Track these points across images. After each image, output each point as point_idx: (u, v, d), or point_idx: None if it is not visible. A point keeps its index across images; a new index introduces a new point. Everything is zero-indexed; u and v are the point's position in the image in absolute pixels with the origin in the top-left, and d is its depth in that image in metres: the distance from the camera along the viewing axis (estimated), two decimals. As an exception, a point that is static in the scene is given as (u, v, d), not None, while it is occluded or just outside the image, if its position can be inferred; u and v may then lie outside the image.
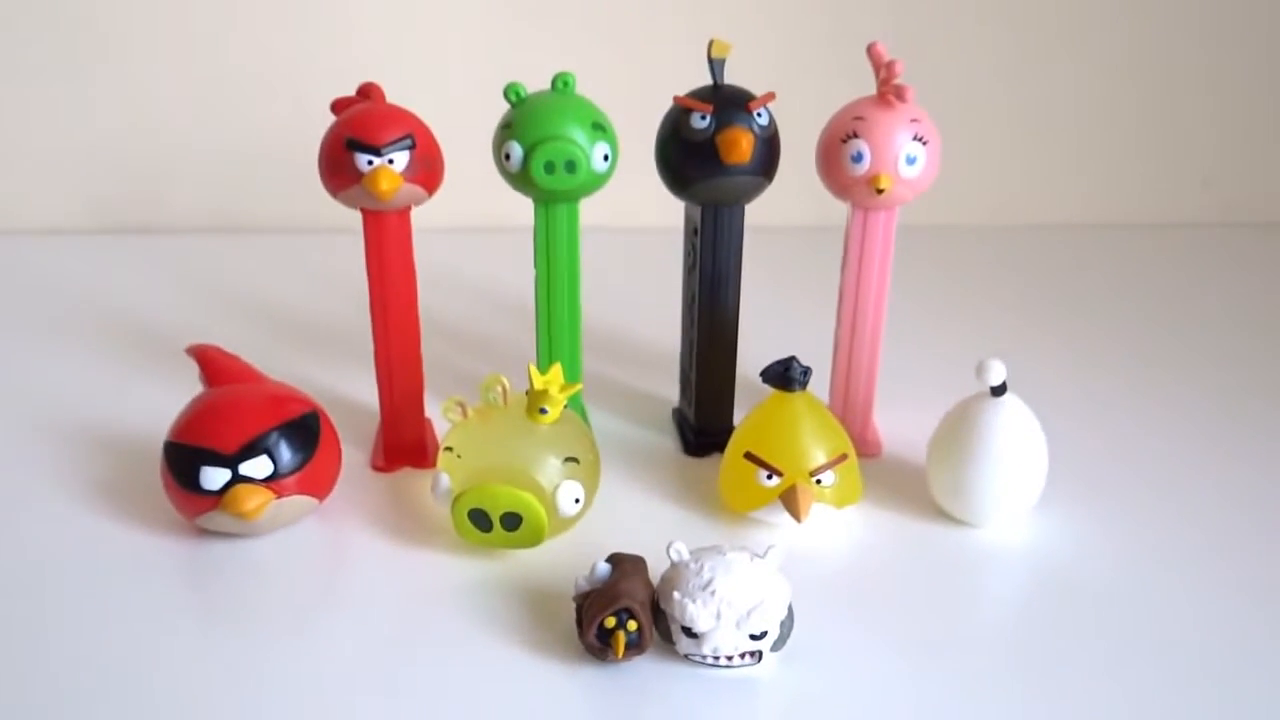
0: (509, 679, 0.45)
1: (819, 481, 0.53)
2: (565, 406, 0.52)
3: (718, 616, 0.44)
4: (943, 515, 0.56)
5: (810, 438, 0.53)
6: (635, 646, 0.44)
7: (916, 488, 0.58)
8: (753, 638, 0.44)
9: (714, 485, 0.58)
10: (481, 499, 0.50)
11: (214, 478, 0.51)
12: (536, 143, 0.53)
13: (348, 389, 0.68)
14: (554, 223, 0.57)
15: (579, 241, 0.58)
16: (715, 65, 0.55)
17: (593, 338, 0.67)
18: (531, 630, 0.48)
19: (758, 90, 0.55)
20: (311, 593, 0.51)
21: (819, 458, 0.53)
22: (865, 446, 0.62)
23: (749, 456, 0.54)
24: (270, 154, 0.94)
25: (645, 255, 0.85)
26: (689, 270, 0.61)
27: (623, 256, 0.87)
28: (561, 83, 0.55)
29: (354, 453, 0.60)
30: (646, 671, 0.45)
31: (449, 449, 0.52)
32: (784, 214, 0.78)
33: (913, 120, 0.55)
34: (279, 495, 0.51)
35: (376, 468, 0.60)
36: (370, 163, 0.52)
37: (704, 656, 0.45)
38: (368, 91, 0.55)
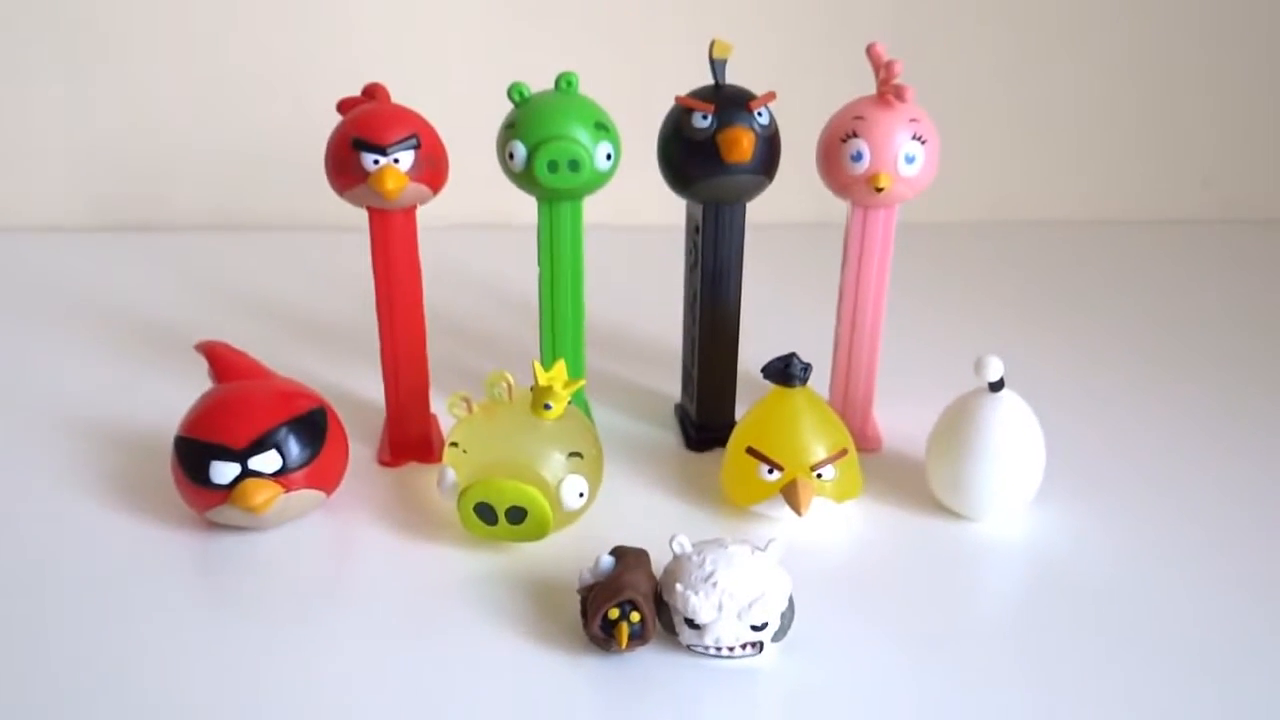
0: (515, 669, 0.46)
1: (819, 476, 0.54)
2: (569, 402, 0.53)
3: (719, 608, 0.44)
4: (942, 509, 0.56)
5: (811, 433, 0.54)
6: (638, 637, 0.45)
7: (916, 482, 0.58)
8: (754, 629, 0.45)
9: (716, 480, 0.58)
10: (487, 493, 0.50)
11: (224, 472, 0.51)
12: (540, 142, 0.54)
13: (354, 385, 0.68)
14: (557, 221, 0.58)
15: (582, 239, 0.59)
16: (716, 65, 0.56)
17: (596, 334, 0.67)
18: (537, 622, 0.48)
19: (759, 90, 0.55)
20: (319, 585, 0.51)
21: (819, 453, 0.54)
22: (865, 441, 0.62)
23: (750, 451, 0.54)
24: (271, 153, 0.94)
25: (647, 253, 0.85)
26: (690, 267, 0.61)
27: (625, 254, 0.87)
28: (565, 82, 0.55)
29: (361, 448, 0.61)
30: (650, 662, 0.46)
31: (454, 444, 0.53)
32: (784, 211, 0.78)
33: (912, 120, 0.55)
34: (287, 489, 0.52)
35: (383, 463, 0.61)
36: (376, 162, 0.53)
37: (706, 647, 0.45)
38: (373, 92, 0.55)
